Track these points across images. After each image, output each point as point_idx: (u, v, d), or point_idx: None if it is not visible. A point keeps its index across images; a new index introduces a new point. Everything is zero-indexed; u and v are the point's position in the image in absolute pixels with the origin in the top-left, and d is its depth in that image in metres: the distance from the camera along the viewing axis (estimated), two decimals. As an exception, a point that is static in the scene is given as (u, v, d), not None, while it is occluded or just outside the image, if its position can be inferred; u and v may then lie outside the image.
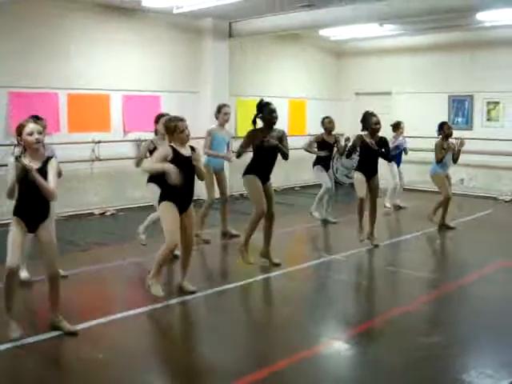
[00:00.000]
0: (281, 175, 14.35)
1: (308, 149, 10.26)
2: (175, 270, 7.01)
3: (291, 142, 14.25)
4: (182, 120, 6.11)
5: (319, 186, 10.47)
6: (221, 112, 9.03)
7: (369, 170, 8.56)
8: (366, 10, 10.83)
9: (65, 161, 10.10)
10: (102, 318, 5.69)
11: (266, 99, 7.51)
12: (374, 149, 8.42)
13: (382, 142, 8.59)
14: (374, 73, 15.57)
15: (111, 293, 6.93)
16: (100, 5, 10.90)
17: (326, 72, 16.15)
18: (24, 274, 6.60)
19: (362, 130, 8.63)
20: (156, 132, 7.78)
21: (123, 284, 7.14)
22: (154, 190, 7.20)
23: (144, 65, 11.87)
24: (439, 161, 9.75)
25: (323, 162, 10.19)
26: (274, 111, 7.27)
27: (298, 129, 15.11)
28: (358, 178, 8.59)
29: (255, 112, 7.34)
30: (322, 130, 10.30)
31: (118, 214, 11.18)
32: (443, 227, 10.01)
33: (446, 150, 9.71)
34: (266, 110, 7.27)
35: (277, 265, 7.55)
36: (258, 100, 7.43)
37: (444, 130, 9.79)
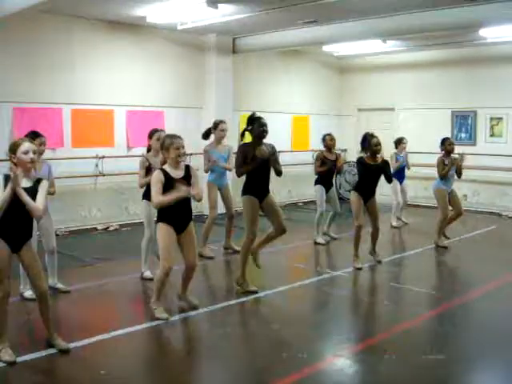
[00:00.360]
0: (284, 191, 14.40)
1: (321, 170, 10.01)
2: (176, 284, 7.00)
3: (295, 157, 14.49)
4: (179, 138, 6.07)
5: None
6: (217, 128, 8.99)
7: (367, 191, 8.48)
8: (370, 26, 10.88)
9: (68, 176, 10.22)
10: (104, 333, 5.67)
11: (270, 115, 7.50)
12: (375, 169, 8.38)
13: (385, 164, 8.55)
14: (376, 88, 15.61)
15: (113, 308, 6.90)
16: (104, 20, 10.97)
17: (329, 87, 16.20)
18: (29, 293, 6.55)
19: (361, 151, 8.59)
20: (149, 148, 7.63)
21: (126, 299, 7.10)
22: (147, 209, 7.39)
23: (148, 80, 11.92)
24: (443, 176, 9.73)
25: (324, 181, 10.09)
26: (264, 125, 7.08)
27: (301, 144, 15.16)
28: (355, 200, 8.45)
29: (245, 125, 7.27)
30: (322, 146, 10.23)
31: (122, 229, 11.18)
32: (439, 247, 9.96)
33: (449, 166, 9.69)
34: (256, 124, 7.09)
35: (259, 267, 7.38)
36: (258, 115, 7.33)
37: (445, 145, 9.78)
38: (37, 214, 4.99)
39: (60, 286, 7.00)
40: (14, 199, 4.86)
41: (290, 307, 6.99)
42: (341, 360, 5.30)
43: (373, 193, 8.54)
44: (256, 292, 7.14)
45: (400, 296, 7.51)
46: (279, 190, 13.85)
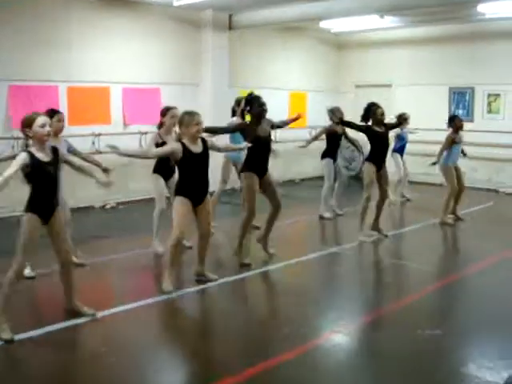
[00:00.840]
0: (281, 167, 14.36)
1: (311, 140, 10.22)
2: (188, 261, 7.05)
3: (292, 134, 14.45)
4: (197, 114, 6.17)
5: (320, 178, 10.45)
6: (240, 106, 8.86)
7: (380, 159, 8.55)
8: (367, 1, 10.83)
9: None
10: (106, 310, 5.69)
11: (267, 91, 7.53)
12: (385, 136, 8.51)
13: (388, 129, 8.75)
14: (374, 65, 15.53)
15: (110, 286, 6.93)
16: (100, -3, 10.88)
17: (326, 64, 16.12)
18: (28, 271, 6.50)
19: (363, 120, 8.60)
20: (161, 125, 7.62)
21: (123, 276, 7.11)
22: (158, 183, 7.46)
23: (144, 57, 11.84)
24: (443, 151, 9.78)
25: (332, 154, 10.10)
26: (264, 104, 7.24)
27: (298, 121, 15.04)
28: (371, 171, 8.49)
29: (241, 105, 7.36)
30: (322, 122, 10.22)
31: (119, 207, 11.17)
32: (455, 218, 10.10)
33: (457, 143, 9.78)
34: (255, 104, 7.24)
35: (271, 255, 7.59)
36: (256, 94, 7.42)
37: (456, 122, 9.87)
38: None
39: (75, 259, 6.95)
40: (43, 171, 5.02)
41: (291, 282, 7.02)
42: (339, 335, 5.34)
43: (384, 161, 8.61)
44: (249, 265, 7.23)
45: (398, 272, 7.55)
46: (276, 167, 13.82)
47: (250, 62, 13.94)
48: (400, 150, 11.72)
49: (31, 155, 4.98)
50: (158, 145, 7.26)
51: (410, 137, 12.12)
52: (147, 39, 11.87)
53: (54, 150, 5.21)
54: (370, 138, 8.57)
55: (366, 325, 5.63)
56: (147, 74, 11.91)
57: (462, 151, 10.52)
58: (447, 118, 10.17)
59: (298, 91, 15.23)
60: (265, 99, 7.29)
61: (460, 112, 14.21)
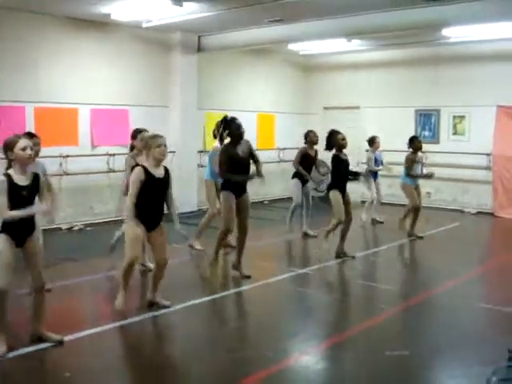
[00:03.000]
0: (250, 189, 14.36)
1: (299, 169, 10.20)
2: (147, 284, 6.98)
3: (261, 155, 14.46)
4: (162, 137, 6.09)
5: (288, 199, 10.51)
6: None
7: (343, 185, 8.71)
8: (334, 25, 10.94)
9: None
10: (68, 334, 5.59)
11: (235, 113, 7.61)
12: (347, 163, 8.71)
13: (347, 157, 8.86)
14: (342, 87, 15.70)
15: (76, 309, 6.81)
16: (69, 17, 10.83)
17: (294, 86, 16.25)
18: None
19: (327, 148, 8.79)
20: (132, 148, 7.65)
21: (90, 299, 7.04)
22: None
23: (113, 78, 11.81)
24: (410, 172, 10.22)
25: (302, 176, 10.21)
26: (240, 126, 7.45)
27: (266, 143, 15.16)
28: (337, 197, 8.62)
29: (220, 129, 7.46)
30: (290, 144, 10.33)
31: (86, 229, 11.06)
32: (413, 237, 10.34)
33: (416, 163, 10.22)
34: (233, 126, 7.42)
35: (247, 277, 7.62)
36: (225, 114, 7.55)
37: (415, 143, 10.30)
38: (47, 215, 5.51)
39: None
40: (18, 194, 4.99)
41: (258, 304, 7.00)
42: (307, 357, 5.33)
43: (345, 188, 8.78)
44: (249, 277, 7.57)
45: (365, 293, 7.58)
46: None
47: (218, 84, 13.99)
48: (373, 172, 11.81)
49: (9, 178, 4.97)
50: (132, 167, 7.16)
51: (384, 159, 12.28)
52: (116, 60, 11.85)
53: (35, 176, 5.16)
54: (334, 166, 8.72)
55: (334, 346, 5.63)
56: (116, 96, 11.87)
57: (427, 175, 10.78)
58: (408, 140, 10.53)
59: (266, 113, 15.31)
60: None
61: (426, 133, 14.43)
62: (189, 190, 12.66)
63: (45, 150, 10.38)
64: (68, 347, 5.38)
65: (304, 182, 10.25)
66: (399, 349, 5.36)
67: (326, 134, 8.84)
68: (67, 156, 10.83)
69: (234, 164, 7.33)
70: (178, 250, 8.47)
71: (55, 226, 10.70)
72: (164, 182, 6.11)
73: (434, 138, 14.34)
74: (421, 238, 10.39)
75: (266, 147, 15.04)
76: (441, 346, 5.54)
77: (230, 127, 7.44)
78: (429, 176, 10.56)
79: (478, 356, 5.29)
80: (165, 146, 6.06)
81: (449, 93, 13.96)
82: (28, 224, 5.15)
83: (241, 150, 7.42)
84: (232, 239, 8.81)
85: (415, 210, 10.34)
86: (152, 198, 6.03)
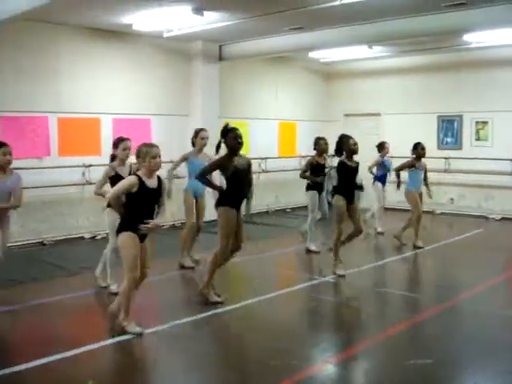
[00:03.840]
0: (271, 197, 14.40)
1: (305, 176, 9.82)
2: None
3: (281, 163, 14.50)
4: (156, 146, 5.92)
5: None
6: (198, 136, 8.68)
7: (350, 192, 8.41)
8: (355, 32, 10.92)
9: (55, 184, 10.24)
10: (76, 348, 5.55)
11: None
12: (354, 169, 8.38)
13: (357, 165, 8.50)
14: (362, 94, 15.67)
15: (100, 320, 6.85)
16: (90, 28, 10.95)
17: (315, 94, 16.25)
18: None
19: (336, 152, 8.47)
20: (113, 158, 7.31)
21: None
22: (111, 216, 6.92)
23: (134, 88, 11.91)
24: (397, 172, 10.38)
25: (317, 186, 9.80)
26: (238, 137, 6.86)
27: (288, 150, 15.17)
28: (341, 204, 8.33)
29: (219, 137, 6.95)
30: (312, 151, 10.07)
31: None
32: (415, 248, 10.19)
33: (418, 169, 10.21)
34: (230, 136, 6.85)
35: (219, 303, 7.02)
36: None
37: (418, 150, 10.26)
38: None
39: None
40: None
41: (278, 314, 6.97)
42: (330, 366, 5.30)
43: (353, 194, 8.51)
44: (221, 303, 6.90)
45: (387, 301, 7.53)
46: (267, 196, 13.88)
47: (239, 92, 14.03)
48: (381, 178, 11.64)
49: None
50: (111, 178, 7.03)
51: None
52: (137, 70, 11.95)
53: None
54: (339, 173, 8.42)
55: (357, 355, 5.59)
56: (137, 105, 11.96)
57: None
58: (412, 146, 10.42)
59: (287, 121, 15.31)
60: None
61: (448, 140, 14.35)
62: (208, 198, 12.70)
63: (68, 160, 10.65)
64: (79, 359, 5.42)
65: (320, 192, 9.85)
66: (423, 357, 5.31)
67: (337, 139, 8.49)
68: (90, 165, 10.91)
69: (232, 177, 6.86)
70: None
71: (78, 236, 10.80)
72: (156, 192, 5.93)
73: (457, 144, 14.24)
74: (422, 247, 10.15)
75: (287, 155, 15.06)
76: (465, 355, 5.48)
77: (226, 136, 6.88)
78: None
79: (504, 364, 5.23)
80: (159, 156, 5.88)
81: (471, 98, 13.86)
82: None
83: (238, 161, 6.88)
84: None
85: (418, 219, 10.25)
86: (144, 207, 5.86)
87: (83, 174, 10.92)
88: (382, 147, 11.72)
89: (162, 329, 6.12)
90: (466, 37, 11.13)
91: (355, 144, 8.33)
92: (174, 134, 12.26)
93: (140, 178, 5.81)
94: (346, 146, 8.32)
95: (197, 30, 10.62)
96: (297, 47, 12.17)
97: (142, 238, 5.89)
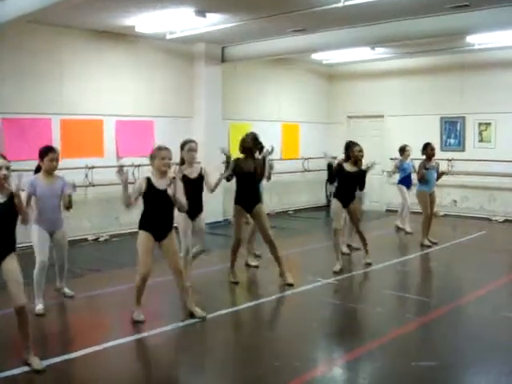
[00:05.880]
0: (274, 199, 14.40)
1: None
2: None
3: (285, 166, 14.48)
4: (165, 149, 6.19)
5: (313, 208, 10.39)
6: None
7: (346, 196, 8.65)
8: (358, 33, 10.93)
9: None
10: (94, 345, 5.63)
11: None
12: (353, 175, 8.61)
13: (363, 172, 8.71)
14: (365, 96, 15.66)
15: (103, 320, 6.85)
16: (93, 30, 10.97)
17: (318, 95, 16.25)
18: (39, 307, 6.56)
19: (346, 159, 8.70)
20: (182, 160, 7.40)
21: (117, 311, 7.06)
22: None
23: (137, 90, 11.92)
24: (420, 179, 10.32)
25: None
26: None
27: (291, 152, 15.15)
28: (336, 206, 8.70)
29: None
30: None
31: (112, 239, 11.13)
32: (425, 245, 10.38)
33: (429, 169, 10.27)
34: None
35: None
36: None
37: (428, 150, 10.39)
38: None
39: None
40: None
41: (282, 316, 6.98)
42: (333, 368, 5.29)
43: (352, 198, 8.72)
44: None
45: (391, 303, 7.51)
46: (270, 198, 13.87)
47: (242, 94, 14.03)
48: (404, 181, 11.79)
49: None
50: (182, 180, 7.00)
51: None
52: (140, 72, 11.96)
53: (11, 196, 5.01)
54: (337, 176, 8.75)
55: (361, 357, 5.57)
56: (140, 107, 11.97)
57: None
58: (422, 146, 10.58)
59: (290, 123, 15.31)
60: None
61: (452, 141, 14.32)
62: (214, 199, 12.64)
63: (71, 162, 10.64)
64: (85, 360, 5.42)
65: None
66: (426, 359, 5.30)
67: (345, 145, 8.80)
68: (93, 167, 10.93)
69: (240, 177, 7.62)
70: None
71: (81, 237, 10.80)
72: (167, 194, 6.13)
73: (460, 146, 14.21)
74: (436, 243, 10.46)
75: (290, 157, 15.05)
76: (469, 357, 5.47)
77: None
78: (444, 173, 10.66)
79: (508, 366, 5.22)
80: (169, 158, 6.17)
81: (474, 100, 13.85)
82: (8, 241, 5.09)
83: (247, 164, 7.78)
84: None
85: (428, 220, 10.44)
86: (157, 208, 6.16)
87: (86, 175, 10.93)
88: (403, 150, 11.74)
89: (162, 331, 6.12)
90: (469, 38, 11.12)
91: (360, 151, 8.56)
92: (177, 136, 12.14)
93: (149, 179, 6.13)
94: (350, 152, 8.56)
95: (199, 31, 10.62)
96: (299, 49, 12.17)
97: (159, 237, 6.20)
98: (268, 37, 11.76)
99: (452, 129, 14.40)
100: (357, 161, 8.59)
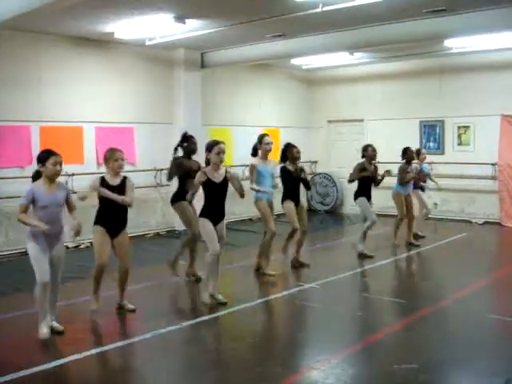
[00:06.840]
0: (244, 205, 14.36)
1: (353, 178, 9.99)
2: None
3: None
4: (119, 150, 6.81)
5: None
6: (262, 142, 8.90)
7: (296, 196, 9.02)
8: (336, 39, 10.99)
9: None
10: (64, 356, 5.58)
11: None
12: (297, 176, 8.98)
13: (302, 169, 9.08)
14: (345, 100, 15.75)
15: (81, 328, 6.81)
16: (72, 37, 10.92)
17: (298, 100, 16.29)
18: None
19: (283, 160, 9.13)
20: (208, 162, 7.18)
21: (99, 318, 7.02)
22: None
23: (117, 96, 11.88)
24: (405, 182, 10.71)
25: (366, 193, 9.88)
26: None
27: (272, 157, 15.09)
28: (290, 206, 8.96)
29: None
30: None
31: (93, 246, 11.03)
32: (411, 245, 10.75)
33: (409, 172, 10.73)
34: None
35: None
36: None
37: (408, 154, 10.80)
38: None
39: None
40: None
41: (263, 321, 6.97)
42: (315, 372, 5.29)
43: (299, 196, 9.12)
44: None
45: (372, 306, 7.54)
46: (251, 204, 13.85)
47: (222, 100, 14.03)
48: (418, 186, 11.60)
49: None
50: (202, 183, 7.08)
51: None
52: (120, 78, 11.92)
53: None
54: (283, 178, 9.08)
55: (342, 360, 5.57)
56: (120, 113, 11.93)
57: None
58: (401, 151, 10.97)
59: (271, 128, 15.30)
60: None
61: (431, 145, 14.43)
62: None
63: (51, 169, 10.54)
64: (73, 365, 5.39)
65: (369, 198, 9.90)
66: (407, 362, 5.33)
67: (282, 148, 9.23)
68: (73, 174, 10.85)
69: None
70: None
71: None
72: (119, 190, 6.69)
73: (439, 149, 14.33)
74: (421, 237, 11.10)
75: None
76: (451, 358, 5.50)
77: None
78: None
79: (490, 367, 5.27)
80: (122, 159, 6.78)
81: (453, 103, 13.97)
82: None
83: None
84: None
85: (409, 221, 10.80)
86: (107, 204, 6.73)
87: (66, 182, 10.83)
88: (418, 154, 11.57)
89: (144, 338, 6.10)
90: (447, 42, 11.21)
91: (298, 152, 9.07)
92: (157, 142, 12.25)
93: (103, 179, 6.74)
94: (289, 153, 9.05)
95: (179, 37, 10.64)
96: (279, 54, 12.20)
97: (113, 233, 6.77)
98: (247, 42, 11.79)
99: (431, 132, 14.51)
100: (295, 161, 9.01)
